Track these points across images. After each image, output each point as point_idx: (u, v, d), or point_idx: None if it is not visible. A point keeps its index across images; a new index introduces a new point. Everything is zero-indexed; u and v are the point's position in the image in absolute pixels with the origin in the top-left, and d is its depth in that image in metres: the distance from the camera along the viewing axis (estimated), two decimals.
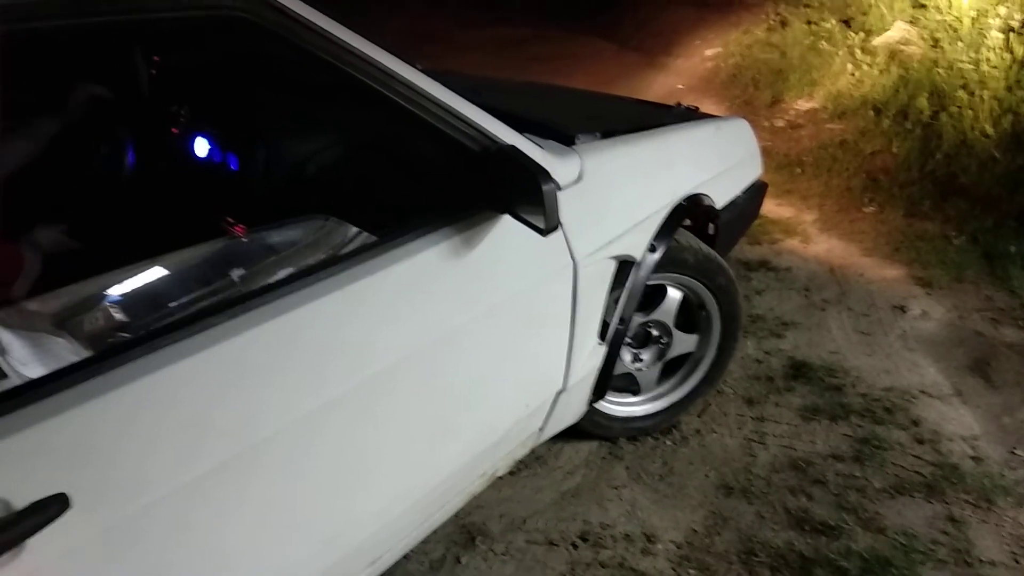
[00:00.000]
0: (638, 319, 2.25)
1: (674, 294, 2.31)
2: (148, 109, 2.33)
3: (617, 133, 2.00)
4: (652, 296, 2.28)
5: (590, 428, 2.35)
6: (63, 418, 1.00)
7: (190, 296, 1.48)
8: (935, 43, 5.25)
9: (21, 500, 0.94)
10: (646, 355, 2.39)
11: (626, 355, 2.31)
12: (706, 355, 2.49)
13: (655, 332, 2.35)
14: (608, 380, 2.11)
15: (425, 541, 1.94)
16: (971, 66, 4.82)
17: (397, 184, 1.80)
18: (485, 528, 2.16)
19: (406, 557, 1.98)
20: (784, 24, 6.68)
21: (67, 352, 1.32)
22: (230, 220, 1.90)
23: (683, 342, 2.41)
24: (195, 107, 2.26)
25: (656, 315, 2.30)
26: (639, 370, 2.38)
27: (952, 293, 3.35)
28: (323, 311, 1.30)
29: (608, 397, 2.34)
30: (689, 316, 2.41)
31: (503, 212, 1.53)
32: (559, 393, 1.93)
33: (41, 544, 0.96)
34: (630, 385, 2.42)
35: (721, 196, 2.39)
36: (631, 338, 2.29)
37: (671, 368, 2.48)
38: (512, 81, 3.27)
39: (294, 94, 2.16)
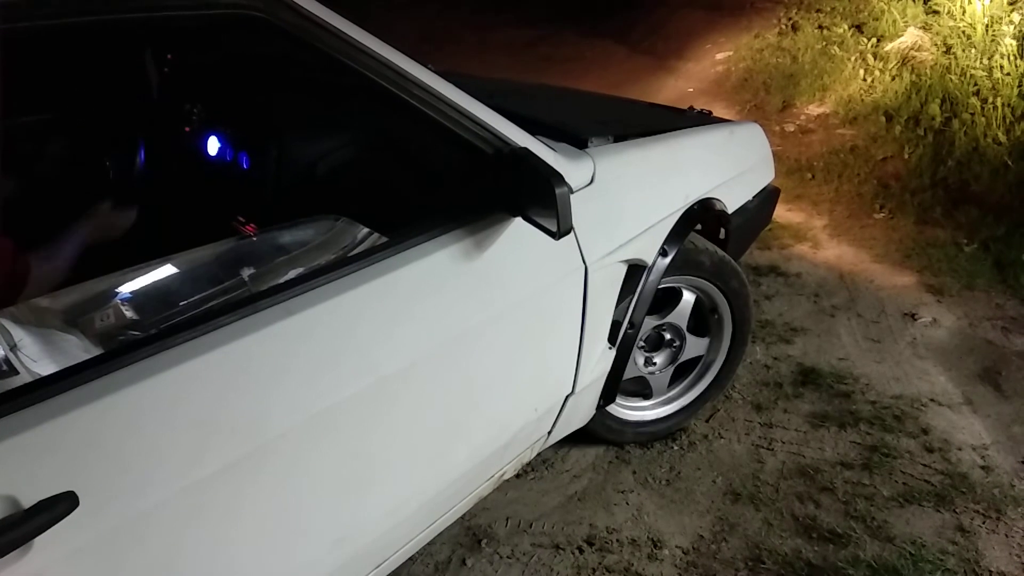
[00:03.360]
0: (652, 322, 2.24)
1: (688, 297, 2.31)
2: (161, 107, 2.33)
3: (630, 137, 2.00)
4: (666, 299, 2.28)
5: (602, 432, 2.35)
6: (72, 416, 1.00)
7: (200, 295, 1.48)
8: (948, 49, 5.22)
9: (29, 498, 0.94)
10: (659, 358, 2.38)
11: (639, 358, 2.30)
12: (716, 359, 2.50)
13: (668, 335, 2.34)
14: (617, 384, 2.10)
15: (431, 543, 1.94)
16: (984, 73, 4.80)
17: (409, 185, 1.79)
18: (491, 531, 2.16)
19: (412, 559, 1.98)
20: (795, 29, 6.65)
21: (78, 349, 1.32)
22: (241, 219, 1.91)
23: (695, 345, 2.41)
24: (208, 106, 2.26)
25: (670, 318, 2.29)
26: (651, 373, 2.37)
27: (963, 301, 3.33)
28: (333, 312, 1.30)
29: (620, 401, 2.34)
30: (701, 319, 2.41)
31: (515, 215, 1.53)
32: (568, 397, 1.92)
33: (48, 543, 0.96)
34: (642, 389, 2.41)
35: (733, 201, 2.38)
36: (644, 341, 2.28)
37: (682, 372, 2.48)
38: (524, 83, 3.26)
39: (307, 94, 2.16)
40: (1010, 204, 3.97)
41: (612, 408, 2.29)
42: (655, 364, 2.37)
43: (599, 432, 2.33)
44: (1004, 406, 2.67)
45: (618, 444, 2.45)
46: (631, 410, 2.40)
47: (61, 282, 1.61)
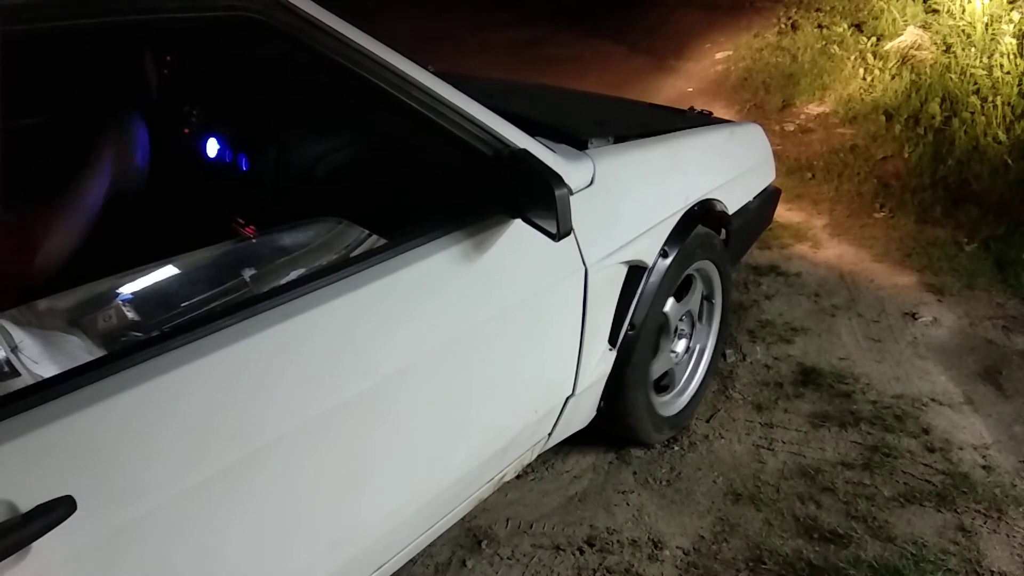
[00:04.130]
0: (680, 310, 2.29)
1: (699, 284, 2.36)
2: (160, 109, 2.33)
3: (630, 137, 1.99)
4: (682, 287, 2.31)
5: (648, 431, 2.32)
6: (71, 419, 1.00)
7: (201, 296, 1.48)
8: (947, 48, 5.22)
9: (27, 502, 0.94)
10: (678, 347, 2.40)
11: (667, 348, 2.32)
12: (707, 344, 2.56)
13: (681, 325, 2.37)
14: (618, 384, 2.10)
15: (431, 544, 1.94)
16: (984, 72, 4.80)
17: (408, 187, 1.79)
18: (491, 532, 2.15)
19: (411, 560, 1.97)
20: (795, 28, 6.65)
21: (79, 350, 1.32)
22: (241, 221, 1.91)
23: (699, 332, 2.47)
24: (207, 108, 2.26)
25: (690, 305, 2.33)
26: (676, 364, 2.40)
27: (963, 300, 3.33)
28: (333, 314, 1.30)
29: (658, 398, 2.36)
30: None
31: (515, 216, 1.52)
32: (568, 398, 1.92)
33: (47, 547, 0.95)
34: (660, 382, 2.42)
35: (734, 202, 2.38)
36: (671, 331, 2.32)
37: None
38: (524, 84, 3.26)
39: (306, 96, 2.16)
40: (1010, 203, 3.97)
41: (656, 405, 2.31)
42: (676, 353, 2.40)
43: (644, 432, 2.31)
44: (1005, 405, 2.67)
45: (659, 444, 2.45)
46: (665, 405, 2.42)
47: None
